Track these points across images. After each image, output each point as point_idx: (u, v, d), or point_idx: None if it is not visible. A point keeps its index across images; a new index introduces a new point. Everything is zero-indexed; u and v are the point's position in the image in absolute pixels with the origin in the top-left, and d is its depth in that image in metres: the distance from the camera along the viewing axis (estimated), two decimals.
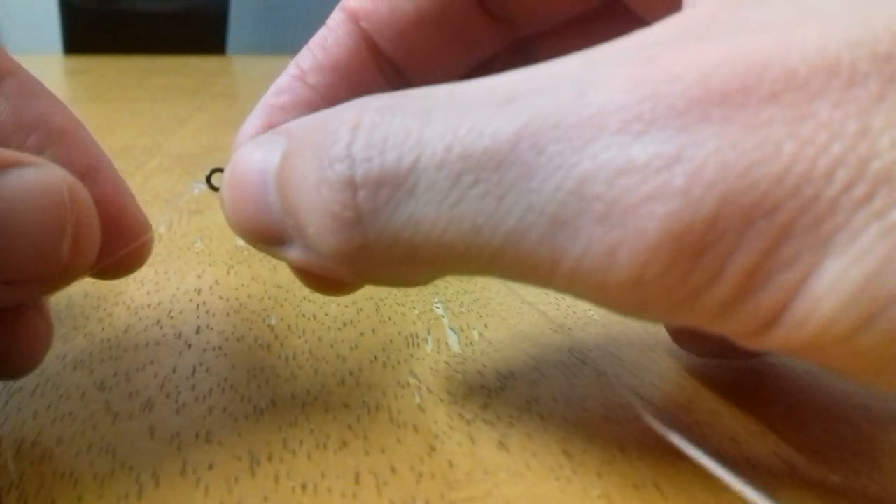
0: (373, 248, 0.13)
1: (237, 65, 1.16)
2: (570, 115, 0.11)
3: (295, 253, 0.14)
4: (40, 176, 0.14)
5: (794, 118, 0.10)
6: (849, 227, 0.10)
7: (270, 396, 0.17)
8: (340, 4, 0.17)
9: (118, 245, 0.16)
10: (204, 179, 0.17)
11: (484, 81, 0.13)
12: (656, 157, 0.10)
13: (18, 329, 0.16)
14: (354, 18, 0.17)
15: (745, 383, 0.18)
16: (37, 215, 0.14)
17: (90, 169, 0.16)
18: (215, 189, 0.16)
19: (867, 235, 0.10)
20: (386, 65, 0.18)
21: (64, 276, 0.14)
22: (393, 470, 0.15)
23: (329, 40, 0.17)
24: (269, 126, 0.16)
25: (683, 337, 0.19)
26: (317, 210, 0.13)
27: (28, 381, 0.18)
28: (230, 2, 1.55)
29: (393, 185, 0.12)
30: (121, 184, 0.17)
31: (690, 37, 0.11)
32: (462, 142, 0.12)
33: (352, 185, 0.12)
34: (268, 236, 0.14)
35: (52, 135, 0.16)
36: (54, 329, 0.17)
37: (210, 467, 0.15)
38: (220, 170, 0.16)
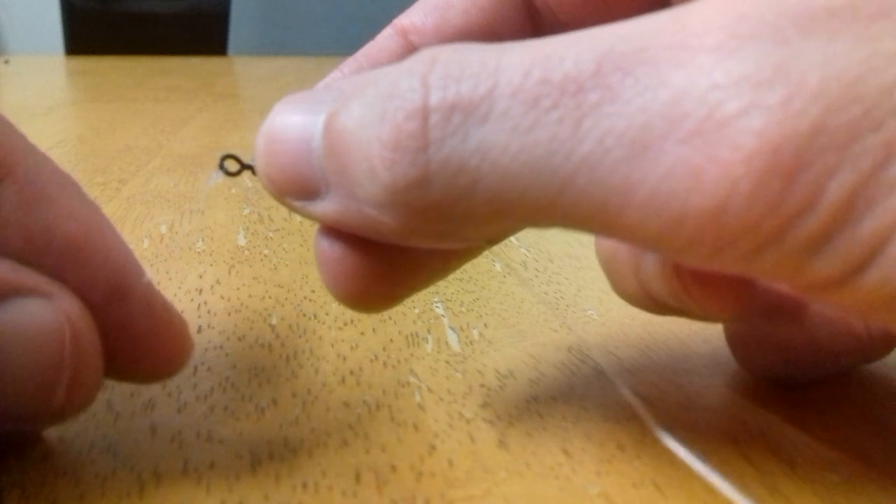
0: (432, 180, 0.12)
1: (238, 65, 1.16)
2: (661, 36, 0.11)
3: (329, 204, 0.13)
4: (40, 312, 0.13)
5: None
6: None
7: (271, 395, 0.17)
8: (392, 23, 0.17)
9: (155, 356, 0.15)
10: (217, 169, 0.16)
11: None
12: (755, 69, 0.10)
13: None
14: (403, 33, 0.17)
15: (744, 383, 0.18)
16: (32, 356, 0.13)
17: (116, 289, 0.14)
18: (229, 174, 0.16)
19: None
20: None
21: (59, 417, 0.13)
22: (393, 468, 0.15)
23: (374, 50, 0.17)
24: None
25: (748, 352, 0.18)
26: (376, 143, 0.12)
27: None
28: (231, 3, 1.55)
29: (466, 111, 0.12)
30: (152, 297, 0.15)
31: None
32: (542, 66, 0.11)
33: (424, 111, 0.12)
34: (301, 188, 0.14)
35: (65, 254, 0.14)
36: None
37: (211, 466, 0.15)
38: (233, 156, 0.16)
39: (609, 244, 0.17)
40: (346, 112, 0.13)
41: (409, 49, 0.17)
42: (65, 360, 0.13)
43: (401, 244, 0.14)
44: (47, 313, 0.13)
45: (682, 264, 0.15)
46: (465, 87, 0.12)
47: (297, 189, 0.14)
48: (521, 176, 0.11)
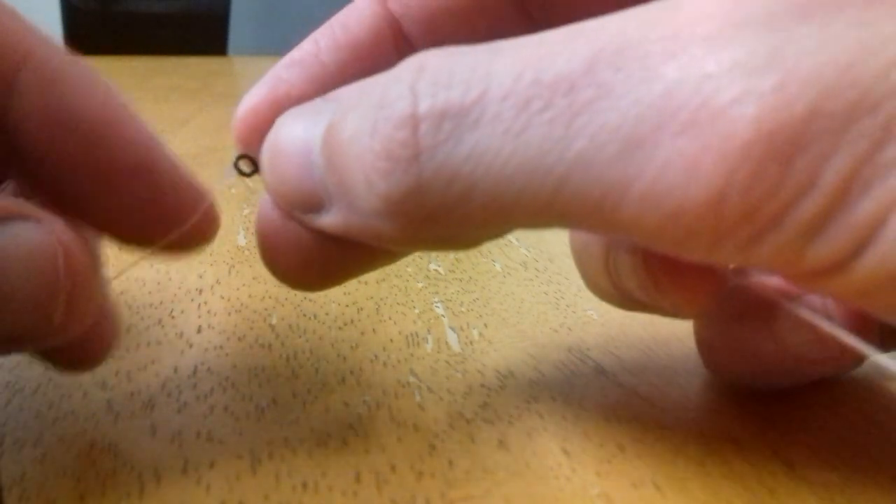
0: (427, 189, 0.12)
1: (238, 65, 1.16)
2: (653, 28, 0.11)
3: (332, 217, 0.14)
4: (33, 236, 0.13)
5: None
6: None
7: (271, 395, 0.17)
8: None
9: (183, 226, 0.15)
10: (231, 167, 0.16)
11: (555, 30, 0.12)
12: (749, 56, 0.10)
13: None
14: (383, 0, 0.16)
15: (744, 383, 0.18)
16: (27, 276, 0.13)
17: (142, 162, 0.14)
18: (243, 174, 0.16)
19: None
20: (408, 51, 0.17)
21: (58, 338, 0.13)
22: (393, 468, 0.15)
23: (351, 19, 0.17)
24: (274, 97, 0.15)
25: (717, 357, 0.18)
26: (370, 154, 0.12)
27: (30, 381, 0.18)
28: (231, 2, 1.55)
29: (457, 118, 0.12)
30: (178, 169, 0.15)
31: None
32: (533, 68, 0.11)
33: (413, 120, 0.12)
34: (306, 201, 0.14)
35: (91, 133, 0.14)
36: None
37: (211, 466, 0.15)
38: (247, 156, 0.16)
39: (581, 239, 0.17)
40: (342, 124, 0.13)
41: (388, 22, 0.16)
42: (60, 279, 0.13)
43: (406, 251, 0.14)
44: (39, 234, 0.13)
45: (652, 253, 0.15)
46: (454, 93, 0.12)
47: (302, 202, 0.14)
48: (515, 178, 0.11)
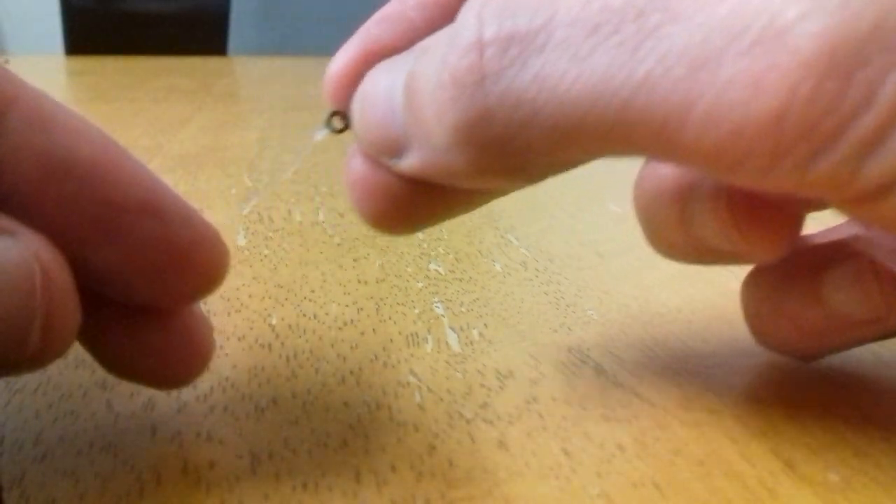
0: (492, 114, 0.12)
1: (238, 65, 1.16)
2: None
3: (412, 158, 0.14)
4: (9, 252, 0.12)
5: None
6: None
7: (271, 395, 0.17)
8: None
9: (196, 265, 0.14)
10: (323, 125, 0.16)
11: None
12: None
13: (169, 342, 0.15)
14: None
15: (744, 383, 0.18)
16: (1, 298, 0.11)
17: (147, 204, 0.14)
18: (335, 131, 0.16)
19: None
20: None
21: (33, 364, 0.12)
22: (393, 468, 0.15)
23: None
24: (364, 52, 0.16)
25: (765, 326, 0.18)
26: (440, 86, 0.13)
27: (30, 380, 0.18)
28: (231, 2, 1.55)
29: (523, 42, 0.12)
30: (187, 208, 0.14)
31: None
32: None
33: (479, 45, 0.12)
34: (390, 146, 0.14)
35: (88, 174, 0.13)
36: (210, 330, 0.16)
37: (211, 466, 0.15)
38: (339, 112, 0.16)
39: (651, 194, 0.17)
40: (419, 65, 0.14)
41: None
42: (36, 300, 0.12)
43: (476, 187, 0.15)
44: (15, 251, 0.12)
45: (734, 196, 0.15)
46: (521, 19, 0.12)
47: (386, 147, 0.15)
48: (580, 102, 0.12)
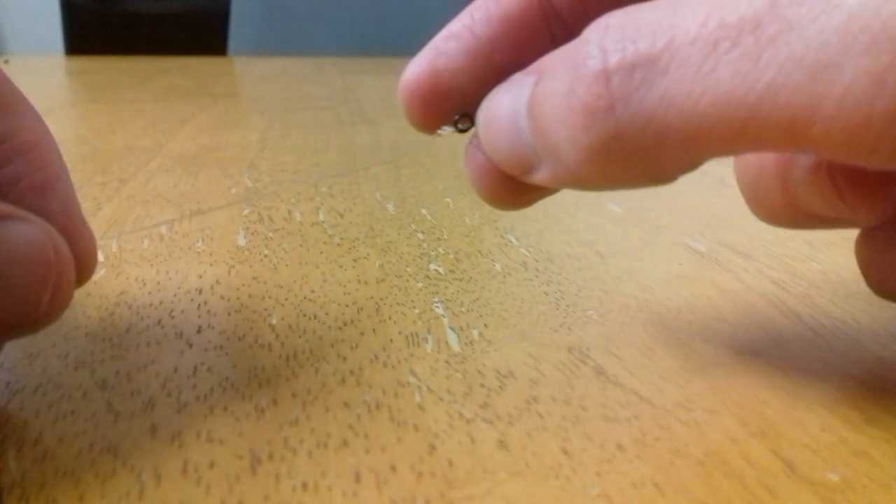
0: (624, 135, 0.13)
1: (238, 65, 1.16)
2: None
3: (543, 174, 0.15)
4: (30, 232, 0.15)
5: None
6: None
7: (271, 395, 0.17)
8: None
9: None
10: (451, 124, 0.18)
11: None
12: None
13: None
14: None
15: (745, 383, 0.18)
16: (24, 270, 0.14)
17: (44, 186, 0.17)
18: (460, 130, 0.18)
19: None
20: (555, 23, 0.18)
21: (39, 324, 0.15)
22: (393, 469, 0.15)
23: None
24: (433, 67, 0.17)
25: (880, 276, 0.19)
26: (569, 113, 0.14)
27: (30, 381, 0.18)
28: (231, 2, 1.55)
29: (646, 66, 0.13)
30: (72, 204, 0.17)
31: None
32: (717, 14, 0.12)
33: (605, 74, 0.13)
34: (520, 163, 0.16)
35: (15, 150, 0.17)
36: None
37: (211, 466, 0.15)
38: (466, 115, 0.18)
39: (754, 169, 0.18)
40: (542, 92, 0.15)
41: None
42: (51, 271, 0.15)
43: (606, 190, 0.16)
44: (35, 231, 0.15)
45: (835, 168, 0.16)
46: (642, 45, 0.13)
47: (516, 165, 0.16)
48: (707, 115, 0.12)
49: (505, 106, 0.16)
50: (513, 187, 0.17)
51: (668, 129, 0.13)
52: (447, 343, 0.20)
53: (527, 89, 0.15)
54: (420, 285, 0.24)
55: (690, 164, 0.14)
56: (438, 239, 0.29)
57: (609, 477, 0.15)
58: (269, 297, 0.23)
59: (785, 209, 0.18)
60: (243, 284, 0.24)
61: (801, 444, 0.16)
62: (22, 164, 0.17)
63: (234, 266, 0.26)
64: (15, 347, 0.19)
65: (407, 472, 0.15)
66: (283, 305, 0.23)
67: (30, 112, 0.18)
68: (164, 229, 0.30)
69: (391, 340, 0.20)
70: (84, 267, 0.17)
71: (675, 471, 0.15)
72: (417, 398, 0.17)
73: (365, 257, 0.27)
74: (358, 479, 0.14)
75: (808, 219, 0.18)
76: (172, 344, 0.20)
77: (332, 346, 0.20)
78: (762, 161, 0.18)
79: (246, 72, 1.06)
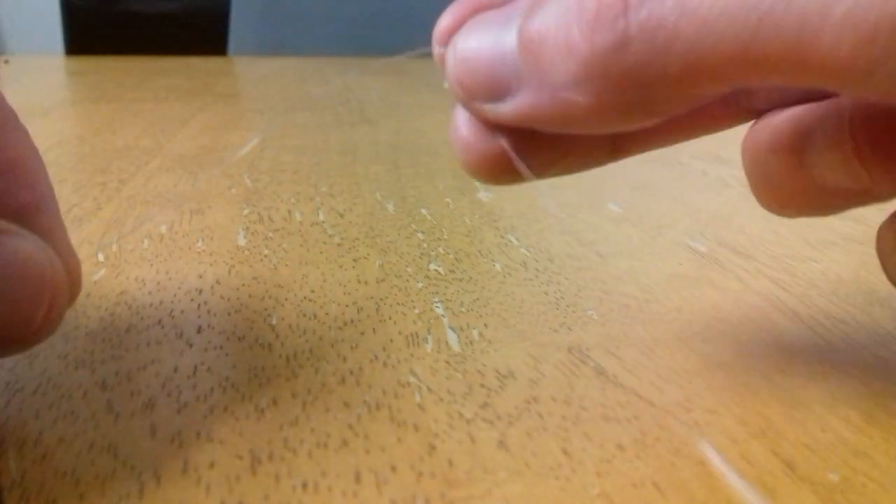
0: (630, 43, 0.13)
1: (238, 65, 1.16)
2: None
3: (519, 100, 0.15)
4: (26, 247, 0.14)
5: None
6: None
7: (271, 395, 0.17)
8: None
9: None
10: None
11: None
12: None
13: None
14: None
15: (745, 383, 0.18)
16: (19, 284, 0.14)
17: (29, 206, 0.17)
18: None
19: None
20: None
21: (31, 341, 0.15)
22: (393, 469, 0.15)
23: None
24: (474, 8, 0.16)
25: None
26: (578, 14, 0.13)
27: (30, 381, 0.18)
28: (231, 3, 1.55)
29: None
30: (57, 225, 0.17)
31: None
32: None
33: None
34: (492, 89, 0.15)
35: (7, 174, 0.16)
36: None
37: (211, 466, 0.15)
38: None
39: (766, 146, 0.18)
40: (540, 14, 0.14)
41: None
42: (47, 288, 0.14)
43: (589, 131, 0.15)
44: (33, 247, 0.15)
45: (857, 132, 0.16)
46: None
47: (486, 90, 0.15)
48: (717, 23, 0.12)
49: (488, 36, 0.15)
50: (500, 159, 0.16)
51: (675, 39, 0.13)
52: (447, 343, 0.20)
53: (516, 20, 0.15)
54: (420, 285, 0.24)
55: (683, 96, 0.14)
56: (438, 239, 0.29)
57: (609, 477, 0.15)
58: (269, 297, 0.23)
59: (797, 189, 0.17)
60: (243, 284, 0.24)
61: (801, 444, 0.16)
62: (6, 183, 0.16)
63: (234, 266, 0.26)
64: None
65: (407, 472, 0.15)
66: (283, 305, 0.23)
67: (17, 129, 0.17)
68: (164, 229, 0.30)
69: (391, 340, 0.20)
70: (70, 289, 0.17)
71: (675, 471, 0.15)
72: (417, 398, 0.17)
73: (365, 257, 0.27)
74: (358, 479, 0.14)
75: (822, 196, 0.17)
76: (172, 344, 0.20)
77: (332, 346, 0.20)
78: (775, 136, 0.17)
79: (246, 72, 1.06)
